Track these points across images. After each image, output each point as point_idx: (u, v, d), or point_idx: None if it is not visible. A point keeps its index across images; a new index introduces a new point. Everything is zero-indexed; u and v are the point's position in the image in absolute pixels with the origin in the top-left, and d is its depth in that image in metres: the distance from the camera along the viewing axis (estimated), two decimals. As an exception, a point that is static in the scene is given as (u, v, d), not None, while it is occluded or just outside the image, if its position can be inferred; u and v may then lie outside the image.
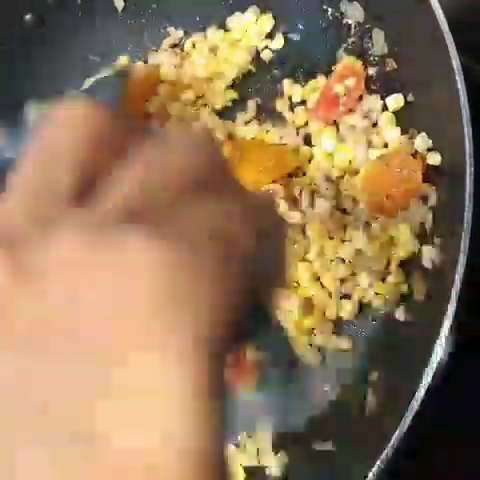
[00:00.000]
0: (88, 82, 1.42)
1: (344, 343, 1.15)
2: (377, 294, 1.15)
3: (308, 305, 1.15)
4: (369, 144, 1.19)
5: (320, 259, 1.16)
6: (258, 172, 1.20)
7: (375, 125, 1.21)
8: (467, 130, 0.92)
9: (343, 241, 1.17)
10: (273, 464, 1.17)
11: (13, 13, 1.36)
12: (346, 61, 1.22)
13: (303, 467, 1.15)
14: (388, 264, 1.13)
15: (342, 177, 1.21)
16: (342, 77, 1.23)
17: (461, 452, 1.15)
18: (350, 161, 1.21)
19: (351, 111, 1.21)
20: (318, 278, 1.16)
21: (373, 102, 1.20)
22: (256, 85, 1.35)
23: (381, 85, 1.21)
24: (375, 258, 1.12)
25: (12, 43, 1.39)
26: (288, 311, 1.14)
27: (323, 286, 1.16)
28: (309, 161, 1.25)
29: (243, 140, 1.26)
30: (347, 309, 1.14)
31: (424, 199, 1.09)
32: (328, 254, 1.16)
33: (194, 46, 1.41)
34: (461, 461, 1.14)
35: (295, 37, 1.33)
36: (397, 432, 0.88)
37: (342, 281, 1.16)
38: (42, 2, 1.37)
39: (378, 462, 0.89)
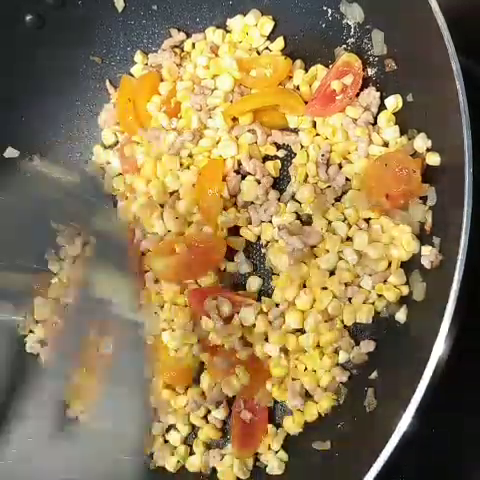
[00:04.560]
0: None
1: (368, 346, 1.15)
2: (379, 296, 1.16)
3: (325, 316, 1.16)
4: (370, 142, 1.19)
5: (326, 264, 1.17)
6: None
7: (375, 124, 1.22)
8: (466, 131, 0.92)
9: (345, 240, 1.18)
10: (273, 463, 1.18)
11: (14, 14, 1.36)
12: (345, 58, 1.23)
13: (303, 466, 1.16)
14: (388, 265, 1.14)
15: (340, 165, 1.22)
16: (340, 73, 1.23)
17: (461, 451, 1.16)
18: (349, 152, 1.22)
19: (351, 103, 1.22)
20: (325, 288, 1.17)
21: (370, 95, 1.21)
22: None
23: (381, 86, 1.22)
24: (377, 260, 1.13)
25: (13, 43, 1.39)
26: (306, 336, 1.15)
27: (335, 295, 1.16)
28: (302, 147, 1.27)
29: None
30: (364, 312, 1.14)
31: (423, 199, 1.09)
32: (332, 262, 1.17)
33: (194, 46, 1.43)
34: (460, 459, 1.15)
35: (295, 38, 1.34)
36: (397, 431, 0.88)
37: (346, 285, 1.17)
38: (43, 3, 1.37)
39: (378, 461, 0.89)
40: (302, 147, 1.28)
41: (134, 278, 0.91)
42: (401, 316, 1.11)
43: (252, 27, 1.35)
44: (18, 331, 1.39)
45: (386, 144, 1.19)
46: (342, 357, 1.16)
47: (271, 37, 1.35)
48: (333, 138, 1.23)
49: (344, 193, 1.21)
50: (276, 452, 1.19)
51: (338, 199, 1.22)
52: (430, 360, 0.87)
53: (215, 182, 1.24)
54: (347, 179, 1.21)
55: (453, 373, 0.94)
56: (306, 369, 1.18)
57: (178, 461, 1.25)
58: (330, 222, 1.20)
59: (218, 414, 1.23)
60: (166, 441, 1.28)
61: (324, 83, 1.25)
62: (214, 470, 1.22)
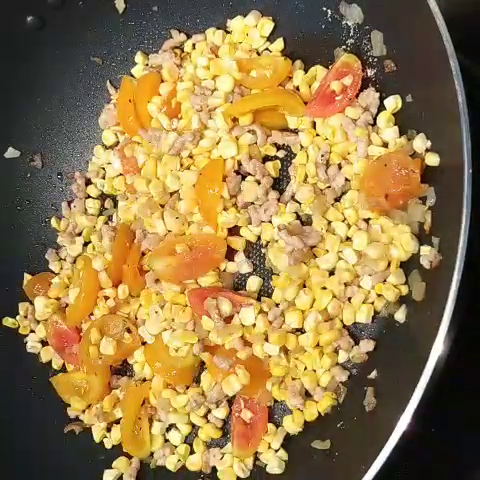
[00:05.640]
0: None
1: (368, 346, 1.15)
2: (379, 295, 1.16)
3: (325, 316, 1.16)
4: (369, 142, 1.20)
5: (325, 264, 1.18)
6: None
7: (374, 125, 1.22)
8: (466, 131, 0.92)
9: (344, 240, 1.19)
10: (273, 462, 1.18)
11: (15, 15, 1.37)
12: (345, 59, 1.23)
13: (302, 465, 1.16)
14: (388, 265, 1.14)
15: (339, 165, 1.22)
16: (340, 74, 1.23)
17: (460, 451, 1.16)
18: (349, 152, 1.22)
19: (351, 104, 1.22)
20: (324, 288, 1.18)
21: (370, 96, 1.21)
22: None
23: (380, 86, 1.22)
24: (377, 260, 1.13)
25: (14, 44, 1.40)
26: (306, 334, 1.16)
27: (334, 295, 1.17)
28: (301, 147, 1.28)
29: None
30: (363, 312, 1.15)
31: (423, 199, 1.09)
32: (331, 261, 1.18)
33: (194, 47, 1.43)
34: (460, 459, 1.15)
35: (295, 39, 1.34)
36: (396, 431, 0.88)
37: (346, 285, 1.17)
38: (43, 4, 1.38)
39: (377, 461, 0.89)
40: (302, 147, 1.28)
41: None
42: (400, 316, 1.11)
43: (252, 28, 1.36)
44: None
45: (385, 144, 1.19)
46: (342, 357, 1.17)
47: (271, 38, 1.35)
48: (333, 138, 1.23)
49: (344, 193, 1.22)
50: (276, 451, 1.19)
51: (338, 199, 1.22)
52: (429, 359, 0.88)
53: (215, 182, 1.25)
54: (347, 179, 1.21)
55: (453, 373, 0.94)
56: (306, 369, 1.18)
57: (178, 460, 1.25)
58: (330, 222, 1.21)
59: (218, 413, 1.23)
60: (166, 440, 1.28)
61: (324, 84, 1.25)
62: (214, 469, 1.23)
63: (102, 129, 1.48)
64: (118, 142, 1.46)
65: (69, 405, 1.33)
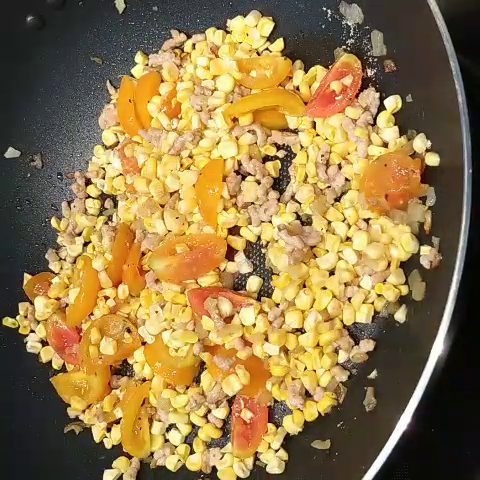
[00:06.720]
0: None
1: (368, 346, 1.15)
2: (379, 295, 1.16)
3: (325, 316, 1.16)
4: (369, 142, 1.20)
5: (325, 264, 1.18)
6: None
7: (374, 125, 1.22)
8: (466, 131, 0.92)
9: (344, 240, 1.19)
10: (273, 462, 1.18)
11: (15, 15, 1.37)
12: (345, 59, 1.23)
13: (302, 465, 1.16)
14: (388, 265, 1.14)
15: (339, 165, 1.23)
16: (340, 74, 1.23)
17: (460, 451, 1.16)
18: (349, 152, 1.23)
19: (351, 104, 1.22)
20: (324, 288, 1.18)
21: (370, 96, 1.21)
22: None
23: (380, 86, 1.22)
24: (377, 260, 1.13)
25: (14, 44, 1.40)
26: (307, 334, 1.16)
27: (334, 295, 1.17)
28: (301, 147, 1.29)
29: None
30: (363, 312, 1.15)
31: (423, 199, 1.09)
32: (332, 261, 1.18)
33: (194, 47, 1.43)
34: (460, 459, 1.15)
35: (295, 39, 1.34)
36: (396, 431, 0.88)
37: (346, 285, 1.17)
38: (43, 4, 1.38)
39: (377, 461, 0.89)
40: (302, 147, 1.28)
41: None
42: (400, 316, 1.11)
43: (252, 28, 1.36)
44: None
45: (385, 144, 1.19)
46: (342, 356, 1.17)
47: (271, 38, 1.35)
48: (333, 139, 1.23)
49: (344, 193, 1.22)
50: (276, 451, 1.19)
51: (338, 199, 1.22)
52: (429, 359, 0.88)
53: (215, 182, 1.25)
54: (347, 179, 1.21)
55: (453, 373, 0.94)
56: (306, 369, 1.18)
57: (178, 460, 1.25)
58: (330, 222, 1.21)
59: (218, 413, 1.24)
60: (166, 440, 1.29)
61: (324, 84, 1.25)
62: (214, 469, 1.23)
63: (102, 129, 1.48)
64: (118, 142, 1.46)
65: (69, 405, 1.33)
